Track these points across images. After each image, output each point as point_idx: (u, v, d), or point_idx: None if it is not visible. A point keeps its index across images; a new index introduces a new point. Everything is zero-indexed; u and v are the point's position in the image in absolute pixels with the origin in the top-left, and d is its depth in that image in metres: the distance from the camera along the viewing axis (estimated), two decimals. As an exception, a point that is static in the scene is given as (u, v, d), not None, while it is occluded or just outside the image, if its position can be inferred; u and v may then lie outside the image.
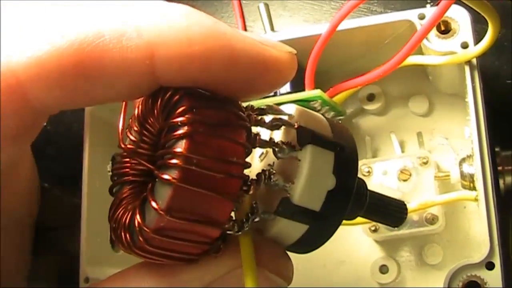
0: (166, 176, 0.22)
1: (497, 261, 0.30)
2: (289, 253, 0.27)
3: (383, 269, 0.38)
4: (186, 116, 0.23)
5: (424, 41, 0.34)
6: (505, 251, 0.31)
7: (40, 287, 0.43)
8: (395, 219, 0.32)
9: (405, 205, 0.32)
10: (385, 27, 0.36)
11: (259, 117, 0.25)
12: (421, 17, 0.34)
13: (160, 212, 0.22)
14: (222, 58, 0.23)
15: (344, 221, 0.36)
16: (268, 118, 0.26)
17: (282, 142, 0.25)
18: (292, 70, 0.26)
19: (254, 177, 0.25)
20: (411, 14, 0.35)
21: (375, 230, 0.38)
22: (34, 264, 0.40)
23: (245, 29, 0.46)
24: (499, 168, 0.35)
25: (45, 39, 0.23)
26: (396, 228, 0.37)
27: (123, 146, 0.25)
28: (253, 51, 0.24)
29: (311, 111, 0.27)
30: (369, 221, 0.37)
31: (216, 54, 0.23)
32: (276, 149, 0.25)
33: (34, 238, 0.41)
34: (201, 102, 0.23)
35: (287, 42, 0.37)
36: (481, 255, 0.31)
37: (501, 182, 0.35)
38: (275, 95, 0.38)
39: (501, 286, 0.30)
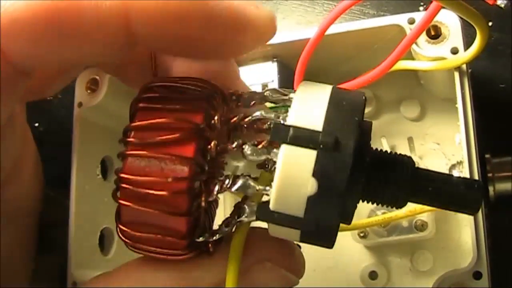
0: (117, 195, 0.24)
1: (484, 270, 0.30)
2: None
3: (373, 275, 0.38)
4: (127, 136, 0.24)
5: (414, 46, 0.33)
6: (494, 260, 0.31)
7: (41, 287, 0.42)
8: (462, 202, 0.25)
9: (477, 183, 0.25)
10: (375, 31, 0.35)
11: (237, 119, 0.25)
12: (411, 21, 0.34)
13: (119, 225, 0.25)
14: (197, 17, 0.23)
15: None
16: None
17: (253, 144, 0.24)
18: (271, 29, 0.25)
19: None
20: (401, 19, 0.34)
21: (364, 236, 0.37)
22: (35, 263, 0.40)
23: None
24: (489, 175, 0.35)
25: None
26: (385, 234, 0.37)
27: None
28: (231, 10, 0.24)
29: (315, 89, 0.24)
30: (357, 227, 0.37)
31: (192, 12, 0.23)
32: (245, 151, 0.24)
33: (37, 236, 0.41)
34: (154, 112, 0.24)
35: (276, 46, 0.37)
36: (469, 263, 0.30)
37: (491, 189, 0.35)
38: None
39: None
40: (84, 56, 0.25)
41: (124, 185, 0.24)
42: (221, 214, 0.36)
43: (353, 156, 0.22)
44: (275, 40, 0.36)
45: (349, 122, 0.23)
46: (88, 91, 0.38)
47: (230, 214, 0.26)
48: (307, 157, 0.22)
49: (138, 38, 0.24)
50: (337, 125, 0.22)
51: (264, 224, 0.25)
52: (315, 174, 0.22)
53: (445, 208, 0.26)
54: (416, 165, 0.36)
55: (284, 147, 0.22)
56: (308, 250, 0.39)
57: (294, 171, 0.22)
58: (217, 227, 0.25)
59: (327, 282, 0.39)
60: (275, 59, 0.38)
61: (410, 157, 0.25)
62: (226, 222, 0.25)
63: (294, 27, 0.45)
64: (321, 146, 0.22)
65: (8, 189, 0.32)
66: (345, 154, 0.22)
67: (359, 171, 0.23)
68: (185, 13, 0.23)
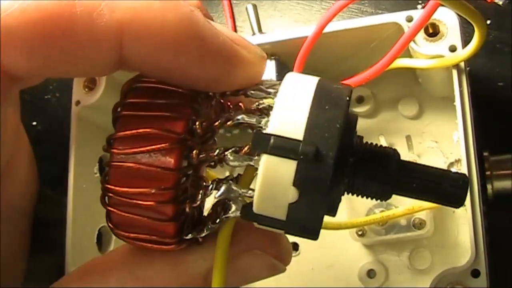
0: (104, 200, 0.25)
1: (482, 269, 0.30)
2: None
3: (371, 274, 0.38)
4: (111, 146, 0.24)
5: (412, 44, 0.33)
6: (493, 259, 0.31)
7: (38, 286, 0.42)
8: (446, 197, 0.25)
9: (462, 179, 0.25)
10: (373, 29, 0.35)
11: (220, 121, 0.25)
12: (409, 19, 0.34)
13: (110, 224, 0.25)
14: (192, 49, 0.23)
15: (330, 225, 0.36)
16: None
17: (235, 151, 0.24)
18: (259, 72, 0.26)
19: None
20: (399, 17, 0.34)
21: (362, 235, 0.37)
22: (33, 263, 0.40)
23: (235, 30, 0.45)
24: (488, 173, 0.35)
25: (16, 5, 0.23)
26: (383, 233, 0.37)
27: None
28: (223, 48, 0.24)
29: (299, 86, 0.24)
30: (355, 225, 0.37)
31: (187, 44, 0.23)
32: (227, 157, 0.24)
33: (33, 236, 0.41)
34: (136, 121, 0.24)
35: (274, 44, 0.37)
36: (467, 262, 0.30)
37: (489, 187, 0.35)
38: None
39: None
40: (75, 71, 0.25)
41: (110, 195, 0.24)
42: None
43: (333, 166, 0.22)
44: (273, 38, 0.37)
45: (331, 129, 0.22)
46: (86, 90, 0.38)
47: (216, 206, 0.26)
48: (287, 168, 0.22)
49: (129, 61, 0.24)
50: (319, 132, 0.22)
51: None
52: (295, 183, 0.22)
53: (430, 201, 0.26)
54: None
55: (264, 158, 0.22)
56: (307, 249, 0.39)
57: (275, 180, 0.22)
58: (208, 212, 0.26)
59: (325, 281, 0.39)
60: (273, 57, 0.37)
61: (395, 150, 0.25)
62: (213, 219, 0.25)
63: (292, 25, 0.45)
64: (301, 157, 0.22)
65: (3, 188, 0.32)
66: (326, 164, 0.22)
67: (341, 172, 0.23)
68: (180, 45, 0.23)
